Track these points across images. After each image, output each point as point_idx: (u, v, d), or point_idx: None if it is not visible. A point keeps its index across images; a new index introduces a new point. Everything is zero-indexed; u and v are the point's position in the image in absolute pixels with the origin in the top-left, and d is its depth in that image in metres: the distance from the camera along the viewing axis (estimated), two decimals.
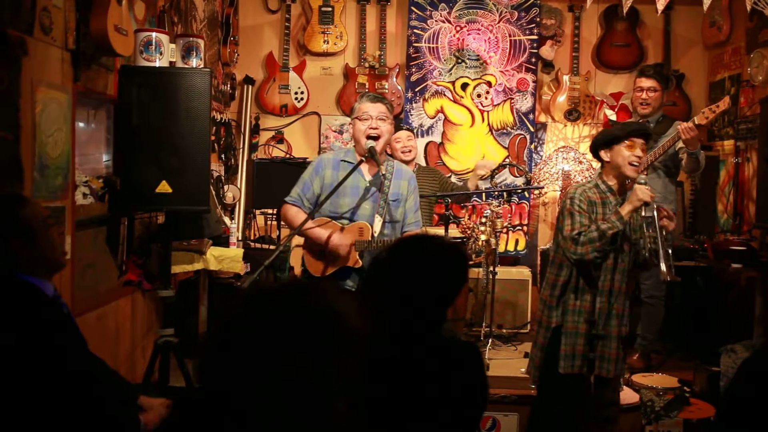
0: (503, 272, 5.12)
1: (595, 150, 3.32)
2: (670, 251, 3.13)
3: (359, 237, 3.32)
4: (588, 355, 3.17)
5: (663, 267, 3.07)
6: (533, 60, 5.99)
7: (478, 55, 5.97)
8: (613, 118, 5.96)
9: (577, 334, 3.21)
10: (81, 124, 3.40)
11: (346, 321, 1.14)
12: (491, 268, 4.70)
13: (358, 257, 3.31)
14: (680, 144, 4.49)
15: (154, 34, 3.44)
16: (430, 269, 1.98)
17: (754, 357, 1.33)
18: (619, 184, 3.24)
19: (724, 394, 1.21)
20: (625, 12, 4.86)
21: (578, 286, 3.22)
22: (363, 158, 3.37)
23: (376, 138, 3.36)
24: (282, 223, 5.31)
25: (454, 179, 5.49)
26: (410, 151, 4.98)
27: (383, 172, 3.39)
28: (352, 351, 1.13)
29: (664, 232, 3.14)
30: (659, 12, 4.69)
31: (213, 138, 4.79)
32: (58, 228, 2.37)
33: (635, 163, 3.16)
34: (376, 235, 3.32)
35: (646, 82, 4.73)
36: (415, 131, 5.52)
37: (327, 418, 1.09)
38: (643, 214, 3.11)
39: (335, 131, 6.10)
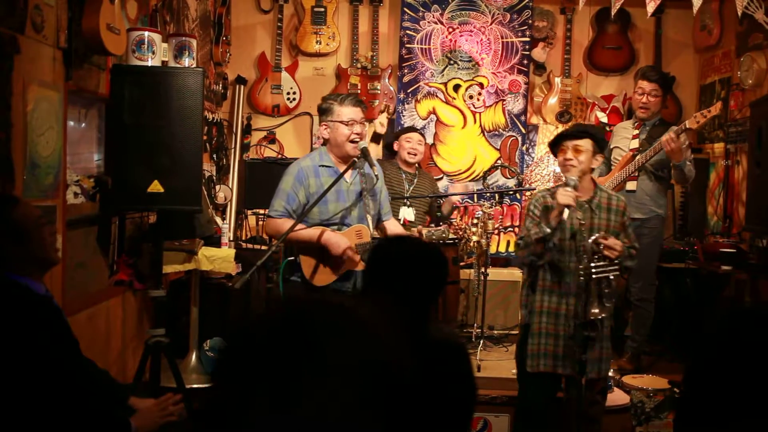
0: (494, 273, 5.12)
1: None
2: (610, 279, 3.11)
3: (358, 240, 3.31)
4: (580, 357, 3.19)
5: (595, 308, 3.09)
6: (525, 62, 6.00)
7: (470, 57, 5.98)
8: (605, 120, 5.97)
9: (541, 334, 3.29)
10: (72, 123, 3.39)
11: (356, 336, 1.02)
12: (482, 270, 4.71)
13: (360, 260, 3.30)
14: None
15: (146, 34, 3.43)
16: (410, 269, 2.02)
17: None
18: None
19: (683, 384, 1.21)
20: (613, 14, 4.88)
21: (544, 288, 3.29)
22: (357, 158, 3.37)
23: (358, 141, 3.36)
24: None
25: (440, 185, 5.53)
26: (416, 154, 5.04)
27: (376, 173, 3.39)
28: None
29: (605, 261, 3.13)
30: (649, 14, 4.72)
31: (205, 138, 4.78)
32: (50, 228, 2.35)
33: (567, 165, 3.24)
34: (372, 235, 3.33)
35: (647, 86, 4.70)
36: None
37: None
38: (564, 216, 3.11)
39: None
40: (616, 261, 3.15)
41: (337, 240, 3.24)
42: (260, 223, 5.72)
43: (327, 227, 3.34)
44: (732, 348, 1.24)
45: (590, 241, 3.12)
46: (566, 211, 3.10)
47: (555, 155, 3.39)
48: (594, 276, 3.10)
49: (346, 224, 3.36)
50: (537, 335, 3.29)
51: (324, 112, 3.43)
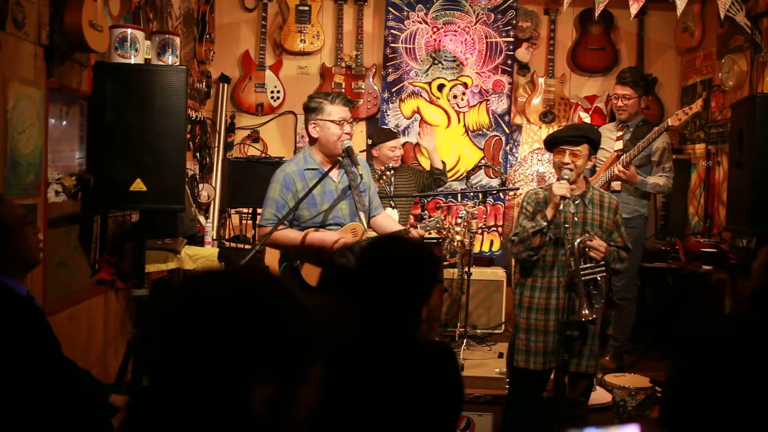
0: (478, 273, 5.15)
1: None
2: (597, 278, 3.17)
3: (354, 237, 3.30)
4: (563, 355, 3.22)
5: (585, 309, 3.15)
6: (509, 62, 6.02)
7: (454, 57, 5.99)
8: (587, 120, 6.02)
9: (530, 330, 3.30)
10: (54, 121, 3.35)
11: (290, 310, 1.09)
12: (466, 269, 4.73)
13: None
14: (656, 145, 4.58)
15: (129, 31, 3.40)
16: (402, 271, 1.99)
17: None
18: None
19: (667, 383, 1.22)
20: (596, 16, 4.93)
21: (534, 284, 3.33)
22: (340, 158, 3.34)
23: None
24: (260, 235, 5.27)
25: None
26: (398, 159, 5.08)
27: (360, 171, 3.37)
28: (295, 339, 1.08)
29: (589, 264, 3.19)
30: (632, 16, 4.76)
31: (188, 136, 4.74)
32: (33, 227, 2.32)
33: (565, 168, 3.27)
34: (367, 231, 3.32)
35: (620, 90, 4.80)
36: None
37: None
38: (561, 207, 3.21)
39: None
40: (602, 262, 3.20)
41: (322, 238, 3.22)
42: (243, 222, 5.70)
43: (321, 228, 3.31)
44: (712, 356, 1.24)
45: (577, 242, 3.17)
46: (563, 203, 3.20)
47: (550, 151, 3.43)
48: (583, 278, 3.15)
49: (340, 224, 3.34)
50: (525, 331, 3.31)
51: (313, 110, 3.32)
